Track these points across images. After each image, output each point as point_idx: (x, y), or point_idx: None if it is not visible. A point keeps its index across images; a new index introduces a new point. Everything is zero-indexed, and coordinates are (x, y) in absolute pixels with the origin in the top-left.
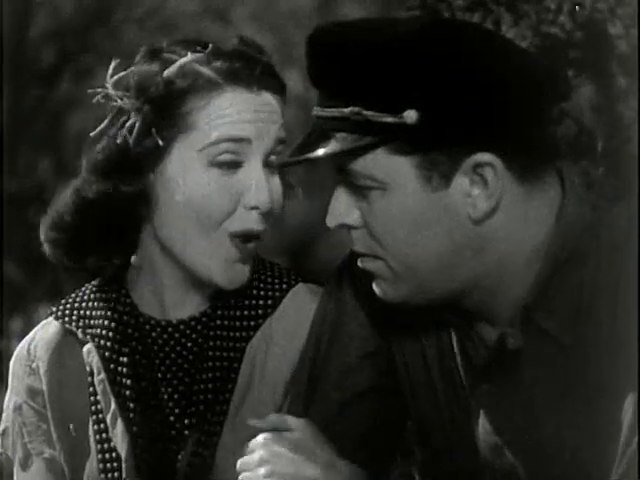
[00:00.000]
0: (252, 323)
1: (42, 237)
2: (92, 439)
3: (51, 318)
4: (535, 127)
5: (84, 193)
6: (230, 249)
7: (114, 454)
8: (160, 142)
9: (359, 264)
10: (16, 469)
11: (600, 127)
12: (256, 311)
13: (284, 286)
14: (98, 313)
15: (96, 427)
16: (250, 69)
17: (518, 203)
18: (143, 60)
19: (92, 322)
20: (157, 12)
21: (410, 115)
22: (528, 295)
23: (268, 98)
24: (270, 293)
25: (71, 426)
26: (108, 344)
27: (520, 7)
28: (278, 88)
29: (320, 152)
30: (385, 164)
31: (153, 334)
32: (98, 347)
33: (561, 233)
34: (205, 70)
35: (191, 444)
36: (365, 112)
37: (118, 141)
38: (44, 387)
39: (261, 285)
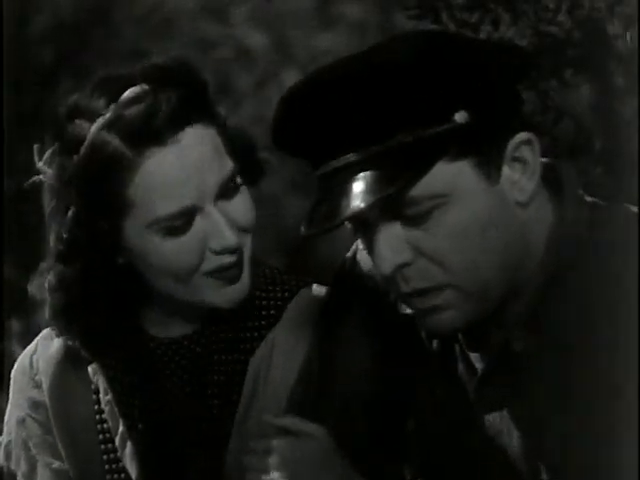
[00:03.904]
0: (256, 334)
1: (59, 330)
2: (100, 459)
3: (49, 331)
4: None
5: (64, 282)
6: (211, 282)
7: (123, 475)
8: (106, 227)
9: (413, 307)
10: None
11: (598, 126)
12: (259, 322)
13: (286, 294)
14: (102, 331)
15: (103, 447)
16: (156, 116)
17: (540, 187)
18: (61, 131)
19: (96, 340)
20: (156, 12)
21: (461, 116)
22: (534, 296)
23: (192, 137)
24: (273, 302)
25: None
26: (114, 363)
27: (519, 6)
28: (206, 114)
29: (379, 193)
30: (445, 175)
31: (158, 352)
32: (104, 366)
33: (564, 233)
34: (112, 140)
35: (199, 460)
36: (418, 131)
37: (65, 235)
38: (48, 402)
39: (263, 295)
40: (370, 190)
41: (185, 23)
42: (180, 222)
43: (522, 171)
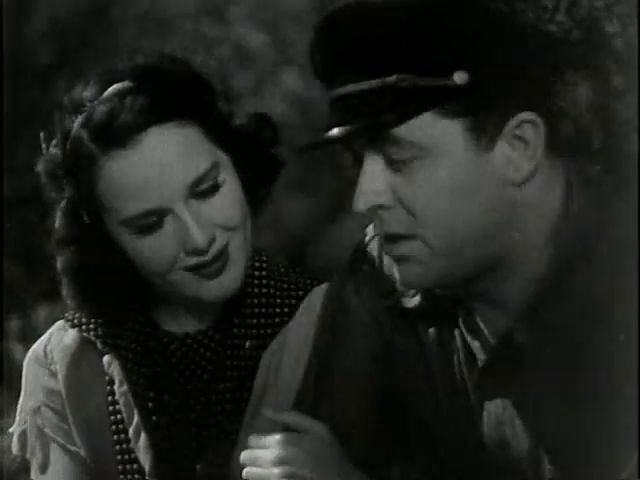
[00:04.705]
0: (269, 331)
1: (78, 309)
2: (112, 451)
3: (63, 322)
4: (559, 101)
5: (64, 264)
6: (189, 276)
7: (135, 465)
8: (87, 220)
9: (387, 253)
10: (34, 473)
11: (597, 126)
12: (273, 319)
13: (300, 293)
14: (117, 323)
15: (116, 437)
16: (117, 119)
17: (544, 176)
18: (59, 122)
19: (112, 332)
20: (155, 11)
21: (460, 76)
22: (538, 288)
23: (156, 139)
24: (287, 301)
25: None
26: (130, 356)
27: (517, 5)
28: (187, 111)
29: (362, 123)
30: (433, 129)
31: (172, 346)
32: (119, 358)
33: (570, 227)
34: (85, 138)
35: (209, 454)
36: (413, 78)
37: (56, 225)
38: (63, 391)
39: (277, 293)
40: (353, 120)
41: (183, 22)
42: (149, 222)
43: (522, 151)
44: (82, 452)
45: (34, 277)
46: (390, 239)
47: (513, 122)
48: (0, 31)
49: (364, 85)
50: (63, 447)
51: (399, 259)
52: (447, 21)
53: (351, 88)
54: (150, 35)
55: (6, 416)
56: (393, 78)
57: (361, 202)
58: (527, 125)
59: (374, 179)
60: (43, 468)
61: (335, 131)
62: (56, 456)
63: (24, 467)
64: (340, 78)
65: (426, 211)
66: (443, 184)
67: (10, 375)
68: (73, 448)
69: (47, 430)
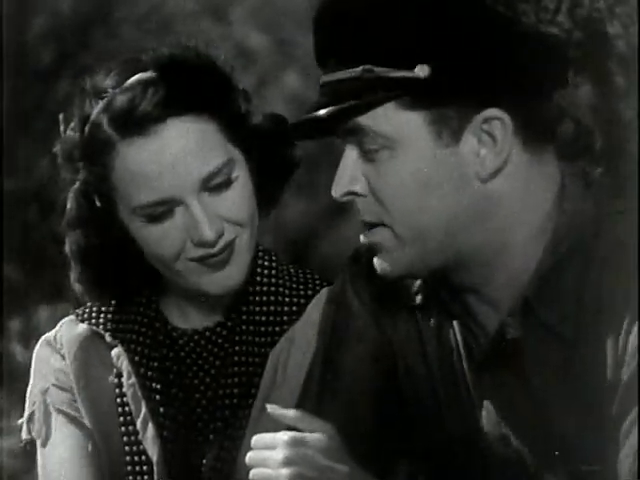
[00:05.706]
0: (277, 329)
1: (81, 294)
2: (120, 441)
3: (74, 316)
4: (539, 97)
5: (73, 246)
6: (195, 267)
7: (143, 457)
8: (99, 204)
9: (364, 240)
10: (40, 449)
11: (598, 126)
12: (281, 317)
13: (309, 292)
14: (126, 317)
15: (124, 429)
16: (137, 108)
17: (521, 172)
18: (79, 107)
19: (121, 326)
20: (156, 11)
21: (422, 69)
22: (529, 285)
23: (174, 130)
24: (295, 300)
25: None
26: (139, 349)
27: (518, 6)
28: (206, 105)
29: (329, 109)
30: (396, 119)
31: (180, 341)
32: (128, 351)
33: (563, 224)
34: (104, 123)
35: (215, 448)
36: (376, 69)
37: (68, 206)
38: (72, 378)
39: (286, 292)
40: (327, 106)
41: (184, 23)
42: (159, 211)
43: (489, 147)
44: (89, 425)
45: (35, 278)
46: (366, 226)
47: (480, 118)
48: (0, 31)
49: (339, 75)
50: (74, 420)
51: (374, 247)
52: (416, 15)
53: (327, 78)
54: (151, 36)
55: (6, 416)
56: (359, 69)
57: (335, 189)
58: (495, 122)
59: (349, 167)
60: (46, 442)
61: (309, 116)
62: (62, 426)
63: (24, 467)
64: (328, 66)
65: (393, 201)
66: (408, 175)
67: (10, 376)
68: (79, 419)
69: (57, 405)
